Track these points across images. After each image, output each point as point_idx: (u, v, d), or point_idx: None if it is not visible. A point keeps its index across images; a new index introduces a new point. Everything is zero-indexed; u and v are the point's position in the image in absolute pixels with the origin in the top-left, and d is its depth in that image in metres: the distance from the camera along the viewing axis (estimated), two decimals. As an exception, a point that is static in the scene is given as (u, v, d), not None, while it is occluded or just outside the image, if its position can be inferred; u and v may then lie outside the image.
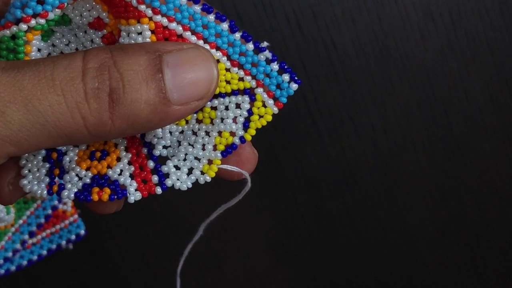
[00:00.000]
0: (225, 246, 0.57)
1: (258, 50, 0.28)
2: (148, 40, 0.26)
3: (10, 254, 0.44)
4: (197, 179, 0.28)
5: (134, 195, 0.27)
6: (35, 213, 0.45)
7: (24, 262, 0.46)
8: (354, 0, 0.51)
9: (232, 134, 0.28)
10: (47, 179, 0.28)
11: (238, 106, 0.28)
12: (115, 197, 0.27)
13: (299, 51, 0.52)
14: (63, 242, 0.47)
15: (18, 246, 0.45)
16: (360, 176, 0.56)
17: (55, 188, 0.27)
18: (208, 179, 0.28)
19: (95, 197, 0.27)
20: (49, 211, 0.46)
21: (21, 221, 0.45)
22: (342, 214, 0.57)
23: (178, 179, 0.28)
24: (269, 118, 0.28)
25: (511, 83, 0.55)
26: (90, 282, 0.55)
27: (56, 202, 0.46)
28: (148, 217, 0.54)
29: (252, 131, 0.28)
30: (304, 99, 0.53)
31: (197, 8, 0.27)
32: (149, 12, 0.26)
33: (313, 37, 0.52)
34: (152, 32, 0.26)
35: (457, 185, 0.57)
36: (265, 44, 0.28)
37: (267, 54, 0.28)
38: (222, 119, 0.28)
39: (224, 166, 0.28)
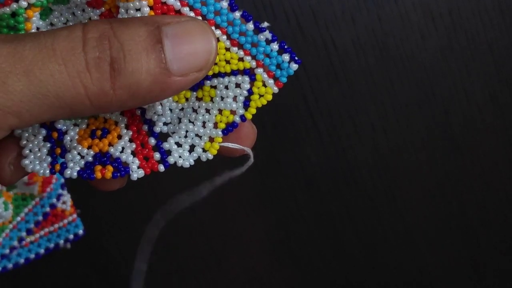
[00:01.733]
0: (225, 245, 0.57)
1: (258, 30, 0.27)
2: (146, 16, 0.26)
3: (7, 251, 0.44)
4: (199, 156, 0.28)
5: (137, 173, 0.27)
6: (33, 210, 0.45)
7: (21, 260, 0.46)
8: (354, 0, 0.51)
9: (233, 112, 0.28)
10: (49, 159, 0.28)
11: (238, 85, 0.28)
12: (118, 174, 0.27)
13: (299, 51, 0.52)
14: (61, 241, 0.47)
15: (15, 243, 0.45)
16: (360, 176, 0.56)
17: (57, 167, 0.27)
18: (210, 156, 0.28)
19: (98, 175, 0.27)
20: (47, 209, 0.46)
21: (19, 218, 0.45)
22: (342, 214, 0.57)
23: (180, 156, 0.28)
24: (269, 97, 0.28)
25: (511, 83, 0.55)
26: (90, 282, 0.55)
27: (54, 200, 0.46)
28: (148, 217, 0.54)
29: (253, 110, 0.28)
30: (304, 99, 0.53)
31: None
32: None
33: (313, 37, 0.52)
34: (151, 8, 0.26)
35: (457, 185, 0.57)
36: (265, 24, 0.28)
37: (267, 34, 0.28)
38: (222, 98, 0.28)
39: (226, 144, 0.29)
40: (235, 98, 0.28)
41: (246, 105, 0.28)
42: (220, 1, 0.27)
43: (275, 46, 0.28)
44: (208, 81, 0.28)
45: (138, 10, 0.26)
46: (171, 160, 0.28)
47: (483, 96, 0.55)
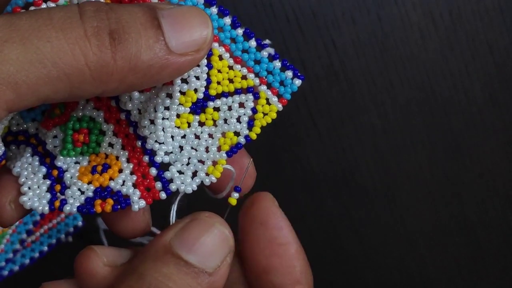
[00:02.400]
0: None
1: (260, 47, 0.27)
2: None
3: (11, 255, 0.44)
4: (202, 181, 0.28)
5: (138, 203, 0.27)
6: None
7: (27, 261, 0.46)
8: (354, 0, 0.51)
9: (236, 133, 0.28)
10: (48, 195, 0.27)
11: (241, 105, 0.28)
12: (118, 207, 0.27)
13: (299, 51, 0.52)
14: (62, 236, 0.47)
15: (17, 246, 0.45)
16: (360, 176, 0.56)
17: (57, 203, 0.27)
18: (214, 179, 0.28)
19: (98, 208, 0.27)
20: None
21: (16, 222, 0.45)
22: (342, 214, 0.57)
23: (182, 183, 0.27)
24: (274, 115, 0.28)
25: (511, 83, 0.55)
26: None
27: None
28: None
29: (257, 129, 0.28)
30: (304, 99, 0.53)
31: (202, 0, 0.27)
32: None
33: (313, 37, 0.52)
34: None
35: (457, 185, 0.57)
36: (267, 41, 0.28)
37: (270, 50, 0.28)
38: (225, 120, 0.28)
39: (228, 167, 0.28)
40: (239, 119, 0.28)
41: (250, 125, 0.28)
42: (223, 17, 0.27)
43: (277, 63, 0.28)
44: (212, 103, 0.28)
45: None
46: (173, 187, 0.27)
47: (483, 96, 0.55)
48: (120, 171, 0.28)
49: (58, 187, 0.28)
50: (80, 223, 0.47)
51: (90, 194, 0.27)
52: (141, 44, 0.23)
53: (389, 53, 0.53)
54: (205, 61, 0.27)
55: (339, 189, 0.56)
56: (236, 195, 0.28)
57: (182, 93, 0.27)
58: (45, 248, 0.47)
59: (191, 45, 0.25)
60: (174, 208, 0.29)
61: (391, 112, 0.54)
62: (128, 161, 0.28)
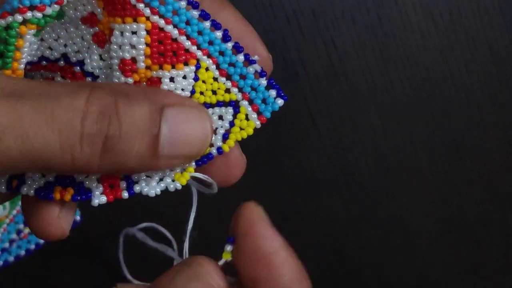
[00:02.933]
0: (225, 245, 0.56)
1: (248, 62, 0.27)
2: (142, 40, 0.26)
3: (7, 244, 0.44)
4: (166, 187, 0.27)
5: (98, 198, 0.27)
6: None
7: (22, 252, 0.46)
8: (354, 0, 0.51)
9: (210, 144, 0.28)
10: (7, 176, 0.27)
11: (220, 117, 0.28)
12: (78, 198, 0.27)
13: (299, 51, 0.52)
14: None
15: (14, 236, 0.45)
16: (360, 176, 0.56)
17: (15, 183, 0.27)
18: (179, 186, 0.28)
19: (57, 196, 0.26)
20: None
21: (15, 211, 0.45)
22: (342, 214, 0.57)
23: (147, 185, 0.27)
24: (251, 131, 0.28)
25: (511, 83, 0.55)
26: (90, 282, 0.55)
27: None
28: (148, 216, 0.54)
29: (231, 143, 0.28)
30: (304, 99, 0.53)
31: (195, 13, 0.26)
32: (147, 11, 0.26)
33: (313, 37, 0.52)
34: (147, 32, 0.26)
35: (457, 185, 0.57)
36: (256, 57, 0.28)
37: (256, 67, 0.28)
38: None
39: (196, 174, 0.28)
40: (215, 131, 0.28)
41: (224, 138, 0.28)
42: (215, 31, 0.27)
43: (263, 81, 0.28)
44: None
45: (134, 33, 0.26)
46: (137, 188, 0.27)
47: (483, 96, 0.55)
48: None
49: None
50: (78, 218, 0.47)
51: (51, 179, 0.27)
52: (132, 154, 0.24)
53: (389, 53, 0.53)
54: (192, 74, 0.27)
55: (339, 189, 0.56)
56: (229, 248, 0.29)
57: None
58: (42, 241, 0.46)
59: (183, 155, 0.25)
60: (186, 242, 0.30)
61: (391, 112, 0.54)
62: None
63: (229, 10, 0.30)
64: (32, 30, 0.25)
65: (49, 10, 0.24)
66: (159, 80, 0.27)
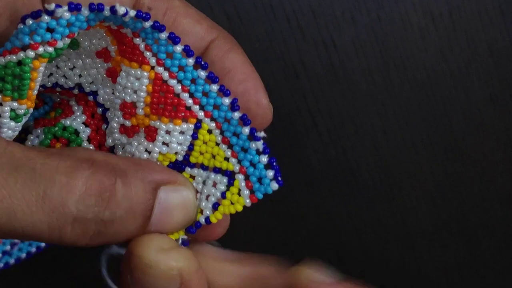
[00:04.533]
0: (225, 245, 0.56)
1: (252, 137, 0.27)
2: (144, 87, 0.26)
3: (8, 247, 0.44)
4: None
5: None
6: None
7: (23, 255, 0.46)
8: (354, 0, 0.51)
9: (201, 211, 0.28)
10: None
11: (214, 184, 0.28)
12: None
13: (299, 51, 0.52)
14: None
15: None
16: (360, 176, 0.56)
17: None
18: None
19: None
20: None
21: None
22: (342, 214, 0.57)
23: None
24: (240, 208, 0.28)
25: (511, 83, 0.55)
26: (90, 283, 0.55)
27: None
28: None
29: (219, 215, 0.28)
30: (304, 99, 0.53)
31: (203, 74, 0.26)
32: (153, 61, 0.26)
33: (313, 37, 0.52)
34: (150, 81, 0.26)
35: (457, 185, 0.57)
36: (261, 134, 0.28)
37: (259, 145, 0.27)
38: (196, 192, 0.28)
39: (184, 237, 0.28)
40: (207, 197, 0.28)
41: (214, 208, 0.28)
42: (223, 97, 0.26)
43: (264, 158, 0.28)
44: (189, 169, 0.28)
45: (138, 79, 0.26)
46: None
47: (483, 96, 0.55)
48: None
49: None
50: None
51: None
52: (122, 235, 0.24)
53: (389, 53, 0.53)
54: (190, 132, 0.27)
55: (339, 189, 0.56)
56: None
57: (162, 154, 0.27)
58: (43, 244, 0.46)
59: (167, 230, 0.26)
60: None
61: (391, 112, 0.54)
62: None
63: (238, 53, 0.30)
64: (44, 63, 0.25)
65: (60, 44, 0.24)
66: (155, 130, 0.27)
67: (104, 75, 0.28)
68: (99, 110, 0.28)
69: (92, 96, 0.29)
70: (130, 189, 0.24)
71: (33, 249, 0.46)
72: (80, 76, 0.28)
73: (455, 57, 0.54)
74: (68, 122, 0.28)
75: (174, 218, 0.26)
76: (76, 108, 0.29)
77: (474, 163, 0.57)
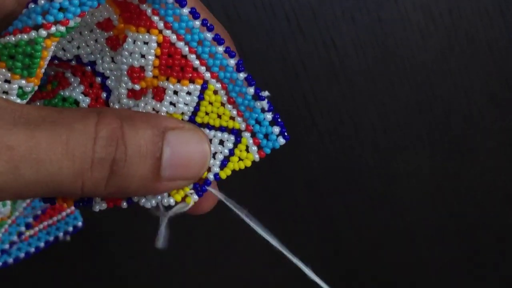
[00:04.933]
0: (225, 245, 0.57)
1: (257, 96, 0.28)
2: (152, 51, 0.26)
3: (7, 246, 0.44)
4: (161, 199, 0.28)
5: (99, 204, 0.28)
6: (31, 204, 0.45)
7: (22, 255, 0.46)
8: (354, 0, 0.51)
9: (208, 169, 0.28)
10: None
11: (221, 142, 0.28)
12: (80, 204, 0.27)
13: (299, 51, 0.52)
14: (61, 234, 0.47)
15: (15, 238, 0.45)
16: (360, 176, 0.56)
17: None
18: (172, 202, 0.28)
19: (60, 201, 0.27)
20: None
21: (17, 213, 0.45)
22: (342, 214, 0.57)
23: (144, 196, 0.28)
24: (249, 163, 0.28)
25: (511, 83, 0.55)
26: (90, 283, 0.55)
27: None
28: (148, 216, 0.54)
29: (228, 171, 0.28)
30: (304, 99, 0.53)
31: (209, 35, 0.27)
32: (161, 24, 0.26)
33: (313, 37, 0.52)
34: (159, 45, 0.26)
35: (457, 185, 0.57)
36: (266, 93, 0.28)
37: (264, 104, 0.28)
38: None
39: (192, 191, 0.29)
40: (214, 155, 0.28)
41: (223, 165, 0.28)
42: (228, 58, 0.27)
43: (268, 116, 0.28)
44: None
45: (146, 43, 0.26)
46: (134, 198, 0.28)
47: (483, 96, 0.55)
48: None
49: None
50: (80, 224, 0.47)
51: None
52: (135, 176, 0.25)
53: (389, 53, 0.53)
54: (197, 92, 0.27)
55: (339, 189, 0.56)
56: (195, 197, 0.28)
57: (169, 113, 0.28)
58: (42, 244, 0.46)
59: (183, 176, 0.26)
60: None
61: (391, 112, 0.54)
62: None
63: (220, 32, 0.30)
64: (56, 42, 0.25)
65: (71, 23, 0.24)
66: (163, 91, 0.27)
67: (105, 44, 0.28)
68: (98, 79, 0.29)
69: (89, 66, 0.29)
70: (136, 132, 0.25)
71: (32, 249, 0.46)
72: (78, 47, 0.29)
73: (455, 57, 0.54)
74: (67, 93, 0.29)
75: (187, 162, 0.26)
76: (72, 79, 0.29)
77: (474, 163, 0.57)
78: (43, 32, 0.24)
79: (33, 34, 0.24)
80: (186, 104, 0.27)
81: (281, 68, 0.52)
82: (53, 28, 0.24)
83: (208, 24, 0.27)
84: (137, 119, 0.25)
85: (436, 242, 0.59)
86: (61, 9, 0.24)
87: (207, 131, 0.28)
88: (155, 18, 0.26)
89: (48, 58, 0.26)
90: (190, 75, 0.27)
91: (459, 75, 0.54)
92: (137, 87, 0.27)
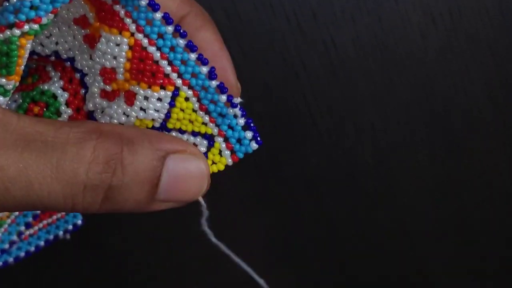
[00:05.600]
0: (225, 246, 0.56)
1: (229, 103, 0.27)
2: (123, 53, 0.26)
3: (7, 246, 0.44)
4: None
5: None
6: None
7: (22, 254, 0.46)
8: (354, 0, 0.51)
9: None
10: None
11: (195, 145, 0.28)
12: None
13: (299, 51, 0.52)
14: (60, 233, 0.47)
15: (15, 237, 0.45)
16: (360, 176, 0.56)
17: None
18: None
19: None
20: None
21: (17, 213, 0.45)
22: (342, 214, 0.57)
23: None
24: (222, 167, 0.28)
25: (511, 83, 0.55)
26: (90, 282, 0.55)
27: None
28: (148, 216, 0.54)
29: None
30: (304, 99, 0.53)
31: (182, 42, 0.26)
32: (133, 27, 0.26)
33: (313, 37, 0.52)
34: (130, 48, 0.26)
35: (457, 185, 0.57)
36: (238, 100, 0.28)
37: (237, 111, 0.28)
38: None
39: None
40: None
41: None
42: (201, 66, 0.27)
43: (241, 120, 0.28)
44: (167, 133, 0.28)
45: (118, 45, 0.26)
46: None
47: (483, 96, 0.55)
48: None
49: None
50: (79, 222, 0.47)
51: None
52: (131, 201, 0.25)
53: (389, 53, 0.53)
54: (168, 99, 0.27)
55: (339, 189, 0.56)
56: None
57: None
58: (42, 243, 0.46)
59: (177, 200, 0.26)
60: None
61: (391, 112, 0.54)
62: None
63: (208, 31, 0.30)
64: (31, 40, 0.25)
65: (44, 20, 0.24)
66: (134, 95, 0.27)
67: (82, 41, 0.28)
68: (77, 75, 0.29)
69: (69, 62, 0.29)
70: (136, 157, 0.24)
71: (32, 249, 0.46)
72: (56, 43, 0.29)
73: (455, 57, 0.54)
74: (46, 87, 0.29)
75: (185, 187, 0.26)
76: (53, 74, 0.29)
77: (474, 163, 0.57)
78: (17, 31, 0.24)
79: (8, 33, 0.24)
80: (156, 111, 0.27)
81: (281, 68, 0.52)
82: (26, 27, 0.24)
83: (181, 31, 0.26)
84: (139, 143, 0.25)
85: (436, 241, 0.59)
86: (32, 7, 0.24)
87: (179, 134, 0.28)
88: (128, 20, 0.26)
89: (26, 55, 0.25)
90: (161, 81, 0.27)
91: (459, 75, 0.54)
92: (108, 88, 0.27)
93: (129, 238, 0.54)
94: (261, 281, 0.30)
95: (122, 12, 0.26)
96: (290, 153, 0.54)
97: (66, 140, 0.23)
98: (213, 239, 0.32)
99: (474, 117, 0.55)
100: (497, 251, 0.60)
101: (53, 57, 0.29)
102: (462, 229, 0.59)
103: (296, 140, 0.54)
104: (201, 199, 0.29)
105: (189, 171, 0.26)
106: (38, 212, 0.46)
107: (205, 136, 0.28)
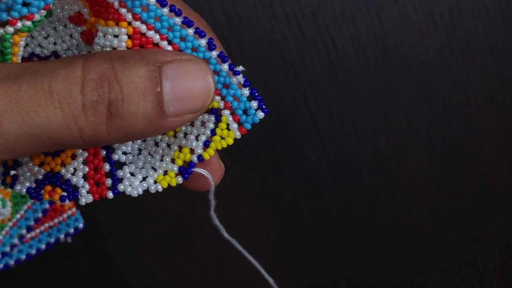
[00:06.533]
0: (225, 246, 0.56)
1: (232, 72, 0.27)
2: (123, 44, 0.26)
3: (8, 248, 0.44)
4: (148, 187, 0.28)
5: (85, 197, 0.27)
6: (32, 207, 0.45)
7: (23, 257, 0.46)
8: (354, 0, 0.51)
9: (191, 151, 0.28)
10: (1, 168, 0.28)
11: (203, 124, 0.28)
12: (66, 198, 0.27)
13: (299, 51, 0.52)
14: (62, 236, 0.47)
15: (16, 240, 0.45)
16: (360, 176, 0.56)
17: (9, 179, 0.27)
18: (160, 188, 0.28)
19: (46, 196, 0.27)
20: (47, 205, 0.46)
21: (18, 216, 0.45)
22: (342, 214, 0.57)
23: (130, 185, 0.28)
24: (230, 141, 0.28)
25: (511, 83, 0.55)
26: (90, 283, 0.55)
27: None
28: (148, 216, 0.54)
29: (211, 151, 0.28)
30: (304, 99, 0.53)
31: (178, 20, 0.27)
32: (129, 16, 0.26)
33: (313, 37, 0.52)
34: (129, 37, 0.26)
35: (457, 185, 0.57)
36: (240, 68, 0.28)
37: (240, 78, 0.28)
38: (185, 134, 0.28)
39: (197, 170, 0.28)
40: (197, 137, 0.28)
41: (206, 145, 0.28)
42: (199, 39, 0.27)
43: (246, 91, 0.28)
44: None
45: (116, 36, 0.26)
46: (121, 187, 0.28)
47: (483, 96, 0.55)
48: (73, 157, 0.28)
49: (10, 162, 0.28)
50: (81, 225, 0.47)
51: (40, 177, 0.27)
52: (138, 115, 0.24)
53: (389, 53, 0.53)
54: None
55: (339, 189, 0.56)
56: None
57: None
58: (43, 246, 0.46)
59: (190, 108, 0.25)
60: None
61: (391, 112, 0.54)
62: (84, 149, 0.28)
63: (206, 31, 0.30)
64: (24, 37, 0.25)
65: (37, 17, 0.24)
66: None
67: (80, 39, 0.28)
68: None
69: None
70: (130, 68, 0.24)
71: (33, 251, 0.46)
72: (55, 43, 0.29)
73: (455, 57, 0.54)
74: None
75: (191, 93, 0.25)
76: None
77: (474, 163, 0.57)
78: (10, 29, 0.24)
79: (1, 31, 0.24)
80: None
81: (281, 68, 0.52)
82: (19, 24, 0.24)
83: (176, 9, 0.26)
84: (129, 57, 0.24)
85: (436, 241, 0.59)
86: (24, 4, 0.24)
87: None
88: (123, 10, 0.26)
89: (20, 53, 0.25)
90: None
91: (459, 75, 0.54)
92: None
93: (129, 239, 0.54)
94: (271, 280, 0.30)
95: (116, 3, 0.26)
96: (290, 153, 0.54)
97: (54, 65, 0.23)
98: (225, 234, 0.32)
99: (474, 117, 0.56)
100: (497, 251, 0.60)
101: (53, 58, 0.29)
102: (462, 229, 0.59)
103: (296, 140, 0.54)
104: (212, 186, 0.29)
105: (190, 72, 0.25)
106: (40, 215, 0.46)
107: (212, 111, 0.28)
